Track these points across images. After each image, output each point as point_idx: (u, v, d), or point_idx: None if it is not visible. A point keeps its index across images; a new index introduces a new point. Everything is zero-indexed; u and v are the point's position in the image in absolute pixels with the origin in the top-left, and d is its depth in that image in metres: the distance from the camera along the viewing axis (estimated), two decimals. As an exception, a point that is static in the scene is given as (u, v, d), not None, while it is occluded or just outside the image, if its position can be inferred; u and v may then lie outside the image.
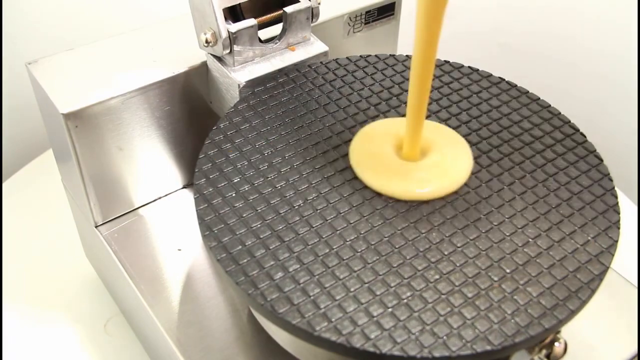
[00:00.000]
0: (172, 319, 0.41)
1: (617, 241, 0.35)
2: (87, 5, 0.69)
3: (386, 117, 0.42)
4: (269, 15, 0.43)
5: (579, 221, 0.36)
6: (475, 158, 0.39)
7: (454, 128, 0.41)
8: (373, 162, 0.39)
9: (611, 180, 0.38)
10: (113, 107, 0.41)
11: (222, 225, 0.35)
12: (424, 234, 0.35)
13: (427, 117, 0.41)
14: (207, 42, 0.41)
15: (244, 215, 0.36)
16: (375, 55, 0.46)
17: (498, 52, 0.84)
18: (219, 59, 0.43)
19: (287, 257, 0.34)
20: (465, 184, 0.38)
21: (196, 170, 0.38)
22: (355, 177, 0.38)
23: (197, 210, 0.36)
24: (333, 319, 0.31)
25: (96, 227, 0.46)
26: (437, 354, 0.30)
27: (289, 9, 0.43)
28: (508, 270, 0.34)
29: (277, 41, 0.44)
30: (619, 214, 0.36)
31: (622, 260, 0.38)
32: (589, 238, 0.35)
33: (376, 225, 0.36)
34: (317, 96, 0.43)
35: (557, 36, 0.80)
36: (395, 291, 0.33)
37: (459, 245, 0.35)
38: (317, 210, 0.36)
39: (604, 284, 0.33)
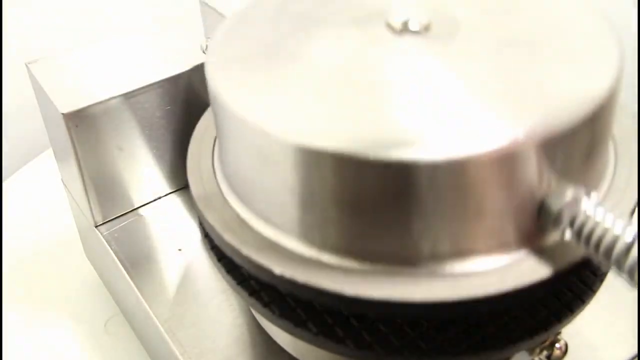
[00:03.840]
0: (172, 319, 0.41)
1: (617, 241, 0.35)
2: (87, 5, 0.69)
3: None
4: (269, 15, 0.43)
5: (579, 221, 0.36)
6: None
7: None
8: None
9: (611, 180, 0.38)
10: (113, 107, 0.41)
11: (222, 226, 0.35)
12: None
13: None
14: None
15: (244, 215, 0.36)
16: (376, 55, 0.45)
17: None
18: (219, 59, 0.43)
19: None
20: None
21: (196, 170, 0.38)
22: None
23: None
24: None
25: (96, 227, 0.46)
26: None
27: (289, 9, 0.43)
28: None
29: (277, 41, 0.44)
30: (619, 214, 0.36)
31: (622, 260, 0.38)
32: (589, 238, 0.35)
33: None
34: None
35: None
36: None
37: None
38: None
39: (604, 284, 0.33)
